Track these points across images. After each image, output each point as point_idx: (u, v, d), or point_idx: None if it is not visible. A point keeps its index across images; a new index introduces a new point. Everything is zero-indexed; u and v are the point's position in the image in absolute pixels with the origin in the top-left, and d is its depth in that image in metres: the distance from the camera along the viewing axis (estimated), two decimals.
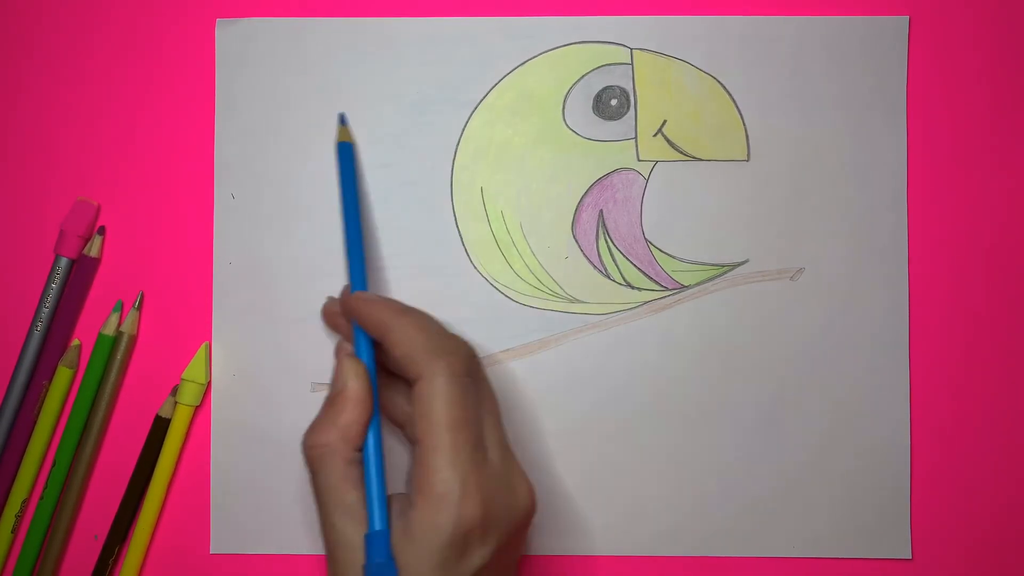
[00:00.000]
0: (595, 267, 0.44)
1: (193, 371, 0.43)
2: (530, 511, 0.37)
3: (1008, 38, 0.44)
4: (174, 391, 0.43)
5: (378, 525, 0.35)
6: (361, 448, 0.36)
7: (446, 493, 0.34)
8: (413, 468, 0.36)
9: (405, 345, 0.36)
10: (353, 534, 0.35)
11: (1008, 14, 0.44)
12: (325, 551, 0.36)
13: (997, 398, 0.44)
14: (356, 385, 0.37)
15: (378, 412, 0.37)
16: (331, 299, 0.42)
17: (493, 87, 0.44)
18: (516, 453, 0.37)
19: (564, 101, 0.44)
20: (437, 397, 0.35)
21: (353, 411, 0.36)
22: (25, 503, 0.43)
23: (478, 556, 0.35)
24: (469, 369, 0.36)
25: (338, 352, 0.40)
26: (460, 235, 0.44)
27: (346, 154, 0.42)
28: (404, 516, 0.35)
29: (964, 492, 0.43)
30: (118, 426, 0.44)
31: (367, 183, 0.44)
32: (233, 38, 0.44)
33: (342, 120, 0.43)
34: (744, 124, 0.44)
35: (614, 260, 0.44)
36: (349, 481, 0.36)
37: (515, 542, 0.37)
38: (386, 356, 0.37)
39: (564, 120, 0.44)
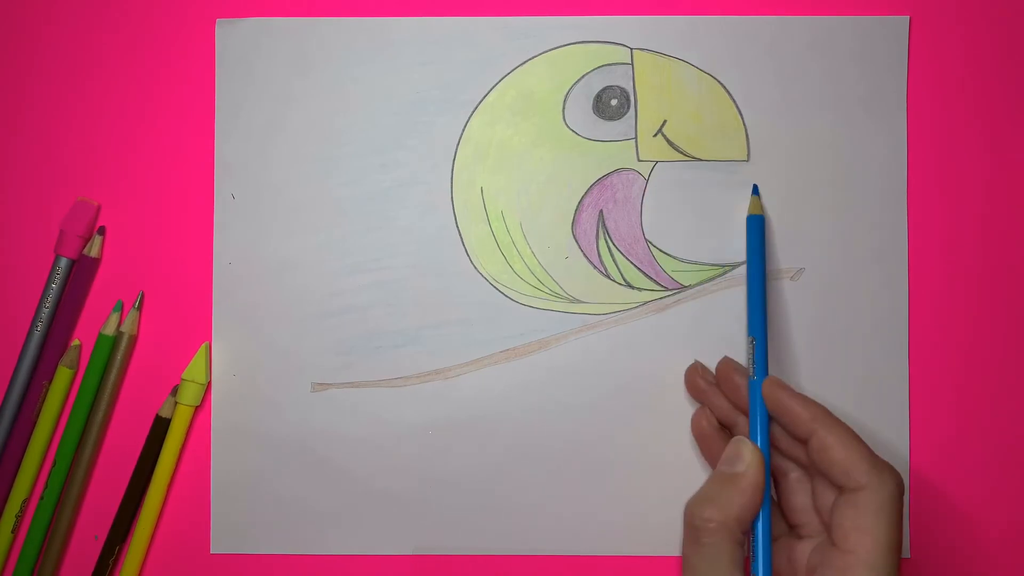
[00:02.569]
0: (595, 267, 0.44)
1: (193, 371, 0.43)
2: None
3: (1008, 38, 0.44)
4: (174, 391, 0.43)
5: None
6: (747, 532, 0.37)
7: None
8: (831, 573, 0.36)
9: (845, 450, 0.36)
10: None
11: (1008, 14, 0.44)
12: None
13: (997, 398, 0.44)
14: (755, 473, 0.37)
15: (768, 501, 0.38)
16: (700, 365, 0.43)
17: (493, 87, 0.44)
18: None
19: (564, 101, 0.44)
20: (883, 514, 0.35)
21: (752, 497, 0.37)
22: (25, 503, 0.43)
23: None
24: (903, 490, 0.37)
25: (698, 424, 0.42)
26: (460, 235, 0.44)
27: (754, 226, 0.42)
28: None
29: (964, 492, 0.43)
30: (118, 426, 0.44)
31: (367, 183, 0.44)
32: (233, 38, 0.44)
33: (755, 191, 0.43)
34: (744, 124, 0.44)
35: (614, 260, 0.44)
36: (735, 563, 0.36)
37: None
38: (810, 454, 0.37)
39: (564, 120, 0.44)
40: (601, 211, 0.44)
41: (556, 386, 0.43)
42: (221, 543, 0.43)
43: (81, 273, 0.43)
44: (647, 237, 0.44)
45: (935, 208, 0.44)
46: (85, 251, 0.44)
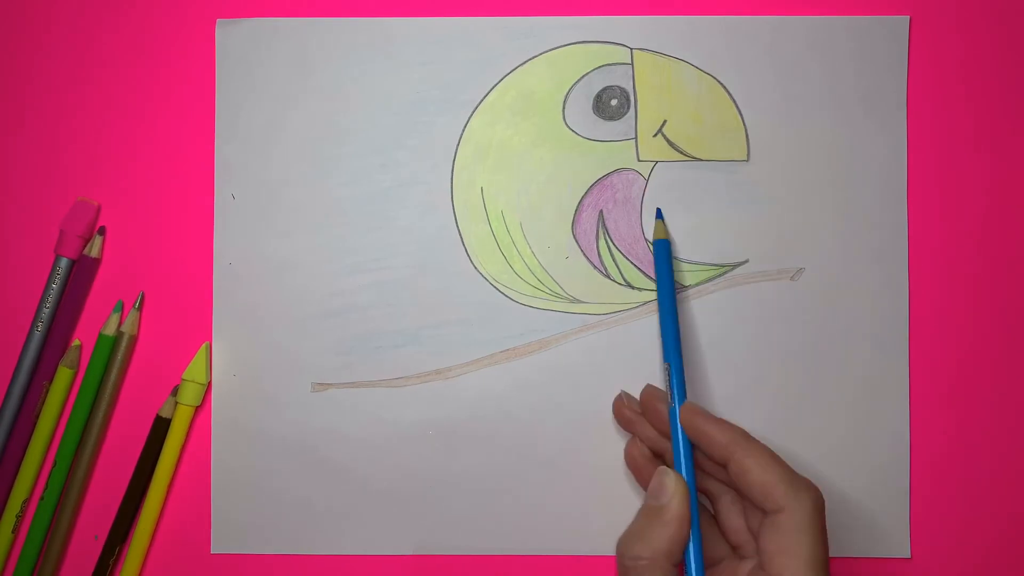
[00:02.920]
0: (595, 267, 0.44)
1: (193, 371, 0.43)
2: None
3: (1007, 38, 0.44)
4: (174, 391, 0.43)
5: None
6: (677, 564, 0.37)
7: None
8: None
9: (762, 473, 0.36)
10: None
11: (1007, 14, 0.44)
12: None
13: (997, 398, 0.44)
14: (678, 503, 0.37)
15: (697, 530, 0.37)
16: (625, 395, 0.42)
17: (493, 87, 0.44)
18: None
19: (564, 101, 0.44)
20: (804, 533, 0.35)
21: (678, 529, 0.37)
22: (25, 503, 0.43)
23: None
24: (823, 505, 0.36)
25: (630, 454, 0.41)
26: (460, 235, 0.44)
27: (662, 251, 0.42)
28: None
29: (964, 492, 0.43)
30: (118, 426, 0.44)
31: (367, 183, 0.44)
32: (233, 38, 0.44)
33: (659, 215, 0.43)
34: (744, 124, 0.44)
35: (614, 260, 0.44)
36: None
37: None
38: (730, 478, 0.37)
39: (564, 120, 0.44)
40: (601, 211, 0.44)
41: (556, 386, 0.43)
42: (221, 543, 0.43)
43: (81, 273, 0.43)
44: (647, 237, 0.44)
45: (935, 208, 0.44)
46: (85, 251, 0.44)
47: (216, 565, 0.44)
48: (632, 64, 0.44)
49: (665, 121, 0.44)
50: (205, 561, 0.44)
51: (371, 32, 0.44)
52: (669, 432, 0.40)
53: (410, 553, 0.43)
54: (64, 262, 0.43)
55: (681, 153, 0.44)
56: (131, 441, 0.44)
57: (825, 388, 0.43)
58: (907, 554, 0.43)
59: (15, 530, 0.43)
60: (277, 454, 0.43)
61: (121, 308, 0.44)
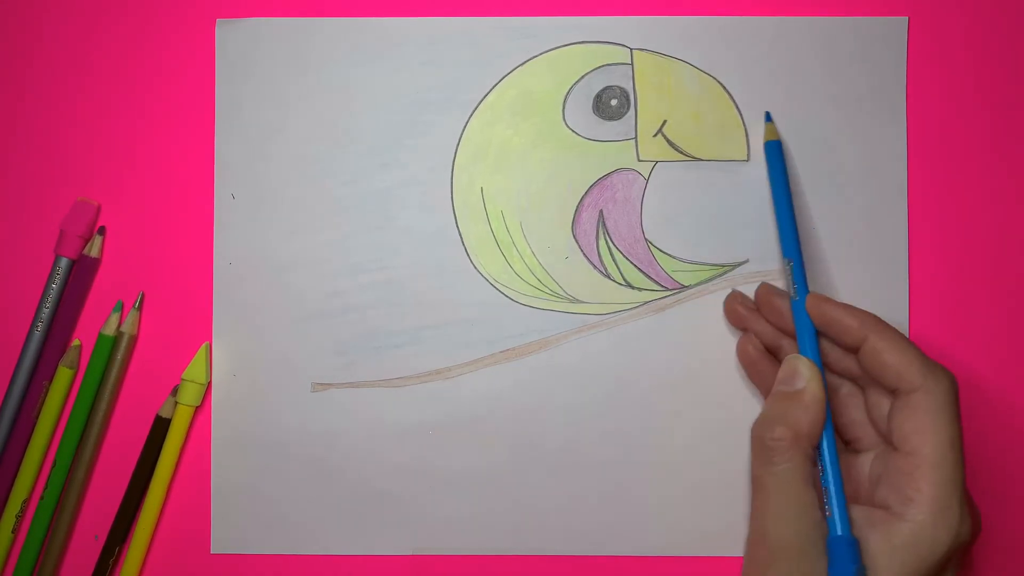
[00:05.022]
0: (595, 267, 0.44)
1: (193, 371, 0.43)
2: (980, 532, 0.37)
3: (1006, 38, 0.44)
4: (174, 391, 0.43)
5: (840, 530, 0.35)
6: (816, 448, 0.37)
7: (947, 509, 0.34)
8: (896, 478, 0.36)
9: (898, 353, 0.36)
10: (809, 536, 0.35)
11: (1006, 15, 0.44)
12: (767, 551, 0.36)
13: (997, 398, 0.44)
14: (816, 387, 0.37)
15: (830, 415, 0.37)
16: (736, 292, 0.43)
17: (493, 87, 0.44)
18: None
19: (564, 101, 0.44)
20: (942, 412, 0.35)
21: (817, 412, 0.37)
22: (25, 503, 0.43)
23: (950, 573, 0.35)
24: (957, 388, 0.36)
25: (744, 350, 0.41)
26: (460, 235, 0.44)
27: (774, 152, 0.42)
28: (884, 526, 0.35)
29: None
30: (118, 426, 0.44)
31: (367, 183, 0.44)
32: (233, 38, 0.44)
33: (768, 118, 0.43)
34: (744, 124, 0.44)
35: (614, 260, 0.44)
36: (809, 480, 0.36)
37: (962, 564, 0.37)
38: (862, 362, 0.37)
39: (564, 120, 0.44)
40: (601, 211, 0.44)
41: (556, 386, 0.43)
42: (221, 543, 0.43)
43: (81, 273, 0.43)
44: (647, 237, 0.44)
45: (935, 208, 0.44)
46: (85, 251, 0.44)
47: (216, 565, 0.44)
48: (632, 64, 0.44)
49: (665, 121, 0.44)
50: (205, 561, 0.44)
51: (371, 32, 0.44)
52: (784, 327, 0.40)
53: (409, 553, 0.43)
54: (64, 262, 0.43)
55: (681, 153, 0.44)
56: (131, 441, 0.44)
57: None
58: None
59: (15, 530, 0.43)
60: (277, 454, 0.43)
61: (121, 308, 0.44)
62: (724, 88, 0.44)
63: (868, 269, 0.43)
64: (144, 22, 0.44)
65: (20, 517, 0.43)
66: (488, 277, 0.44)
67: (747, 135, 0.44)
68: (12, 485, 0.43)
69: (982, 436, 0.43)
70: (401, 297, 0.44)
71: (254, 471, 0.43)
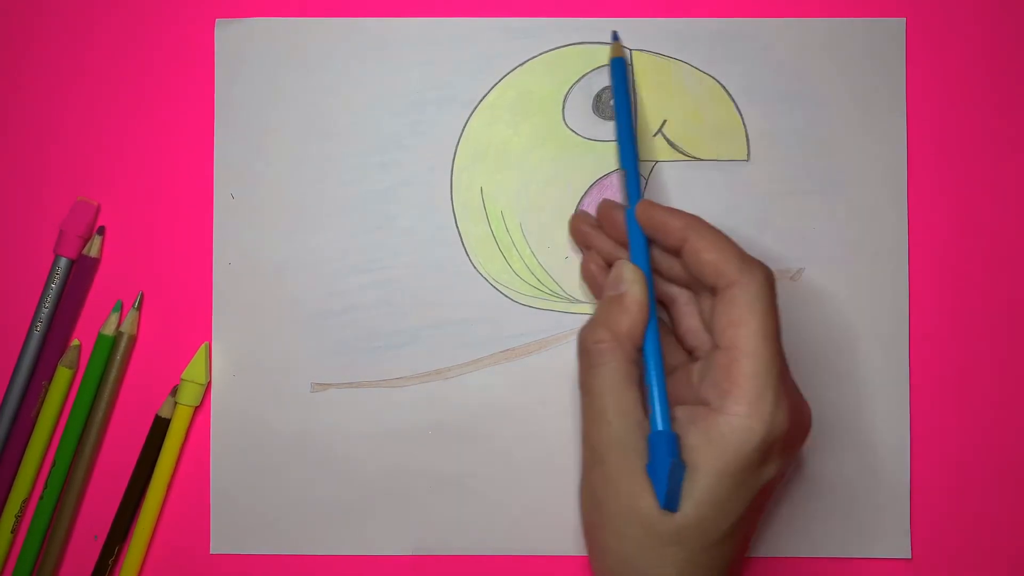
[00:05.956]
0: None
1: (193, 371, 0.43)
2: (808, 431, 0.37)
3: (1005, 39, 0.44)
4: (174, 391, 0.43)
5: (660, 426, 0.35)
6: (639, 350, 0.37)
7: (760, 399, 0.35)
8: (715, 373, 0.36)
9: (716, 251, 0.36)
10: (629, 434, 0.35)
11: (1005, 15, 0.44)
12: (590, 451, 0.36)
13: (997, 398, 0.44)
14: (638, 290, 0.37)
15: (655, 316, 0.38)
16: (581, 212, 0.43)
17: (493, 87, 0.44)
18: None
19: (564, 101, 0.44)
20: (756, 304, 0.35)
21: (638, 313, 0.37)
22: (25, 503, 0.43)
23: (772, 468, 0.35)
24: (774, 282, 0.37)
25: (586, 269, 0.42)
26: (460, 235, 0.44)
27: (619, 69, 0.42)
28: (704, 421, 0.35)
29: (964, 492, 0.43)
30: (118, 426, 0.44)
31: (367, 183, 0.44)
32: (232, 38, 0.44)
33: (614, 37, 0.43)
34: (744, 124, 0.44)
35: None
36: (630, 380, 0.36)
37: (791, 462, 0.37)
38: (685, 263, 0.38)
39: (564, 120, 0.44)
40: None
41: (556, 386, 0.43)
42: (221, 543, 0.43)
43: (81, 273, 0.43)
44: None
45: (935, 208, 0.44)
46: (85, 251, 0.43)
47: (216, 565, 0.44)
48: (632, 64, 0.44)
49: (665, 121, 0.44)
50: (205, 561, 0.44)
51: (371, 32, 0.44)
52: (624, 240, 0.40)
53: (409, 553, 0.43)
54: (63, 262, 0.43)
55: (681, 153, 0.44)
56: (130, 441, 0.44)
57: (825, 388, 0.43)
58: (907, 554, 0.43)
59: (14, 530, 0.43)
60: (277, 454, 0.43)
61: (120, 308, 0.44)
62: (724, 88, 0.44)
63: (868, 269, 0.43)
64: (143, 22, 0.44)
65: (20, 517, 0.43)
66: (488, 277, 0.44)
67: (747, 135, 0.44)
68: (11, 485, 0.43)
69: (982, 436, 0.43)
70: (401, 297, 0.44)
71: (254, 471, 0.43)
